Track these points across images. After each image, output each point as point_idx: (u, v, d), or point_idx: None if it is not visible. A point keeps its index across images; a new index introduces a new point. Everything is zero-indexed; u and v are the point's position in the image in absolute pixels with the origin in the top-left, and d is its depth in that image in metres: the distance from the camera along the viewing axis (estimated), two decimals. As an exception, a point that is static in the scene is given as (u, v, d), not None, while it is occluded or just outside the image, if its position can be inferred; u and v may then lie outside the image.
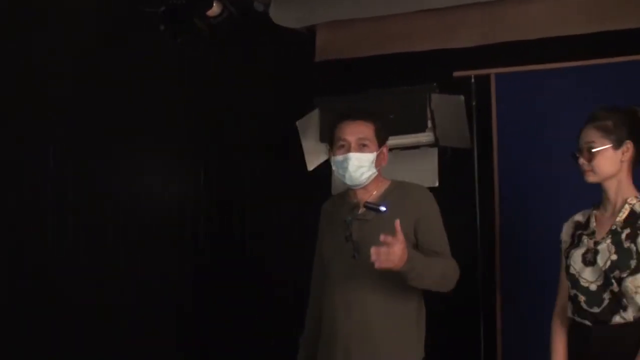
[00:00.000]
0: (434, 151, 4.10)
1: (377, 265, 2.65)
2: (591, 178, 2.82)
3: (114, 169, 3.85)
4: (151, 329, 4.07)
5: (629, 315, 2.66)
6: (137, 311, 3.99)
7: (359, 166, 2.93)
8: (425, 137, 4.08)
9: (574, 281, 2.81)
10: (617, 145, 2.76)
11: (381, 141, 3.01)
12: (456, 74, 4.31)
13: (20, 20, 3.42)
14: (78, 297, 3.56)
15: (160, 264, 4.14)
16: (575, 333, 2.84)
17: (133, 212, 4.00)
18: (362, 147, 2.95)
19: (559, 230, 4.02)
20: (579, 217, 2.98)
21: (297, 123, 4.25)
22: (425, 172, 4.07)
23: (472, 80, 4.30)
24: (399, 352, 2.93)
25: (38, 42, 3.43)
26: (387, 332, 2.90)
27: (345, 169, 2.93)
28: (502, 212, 4.23)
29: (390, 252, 2.62)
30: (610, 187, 2.81)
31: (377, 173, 3.00)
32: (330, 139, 3.05)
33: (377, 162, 2.99)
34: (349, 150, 2.94)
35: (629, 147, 2.77)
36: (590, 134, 2.80)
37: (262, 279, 4.67)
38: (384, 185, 3.04)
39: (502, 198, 4.24)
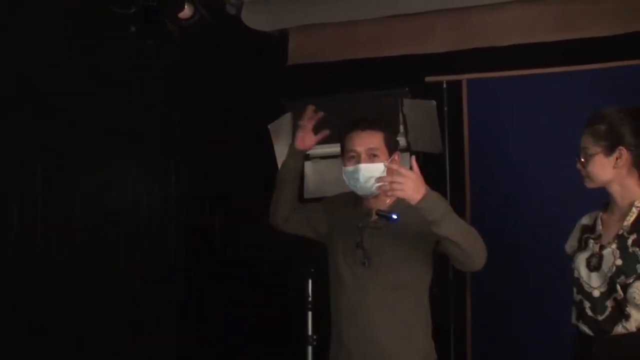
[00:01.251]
0: (406, 156, 4.09)
1: (389, 193, 2.63)
2: (589, 184, 2.73)
3: (85, 169, 3.80)
4: (146, 329, 4.05)
5: (631, 325, 2.57)
6: (121, 312, 3.96)
7: (370, 177, 2.91)
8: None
9: (579, 286, 2.73)
10: (608, 152, 2.65)
11: (391, 149, 3.00)
12: (428, 79, 4.35)
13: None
14: (46, 300, 3.51)
15: (138, 264, 4.12)
16: (577, 342, 2.75)
17: (104, 212, 3.95)
18: (372, 157, 2.95)
19: (530, 233, 4.10)
20: (585, 220, 2.87)
21: (269, 126, 4.23)
22: (397, 176, 4.07)
23: (444, 85, 4.33)
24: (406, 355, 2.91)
25: (6, 40, 3.39)
26: (393, 340, 2.88)
27: (357, 179, 2.93)
28: (473, 216, 4.26)
29: (403, 180, 2.58)
30: (615, 191, 2.71)
31: None
32: (341, 148, 3.06)
33: (388, 172, 2.93)
34: (359, 161, 2.94)
35: (621, 153, 2.64)
36: (585, 139, 2.70)
37: (242, 277, 4.70)
38: None
39: (473, 202, 4.28)
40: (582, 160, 2.71)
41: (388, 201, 2.99)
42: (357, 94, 4.16)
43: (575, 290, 2.76)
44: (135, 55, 4.14)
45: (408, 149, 4.09)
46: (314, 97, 4.26)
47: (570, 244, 2.89)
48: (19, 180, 3.45)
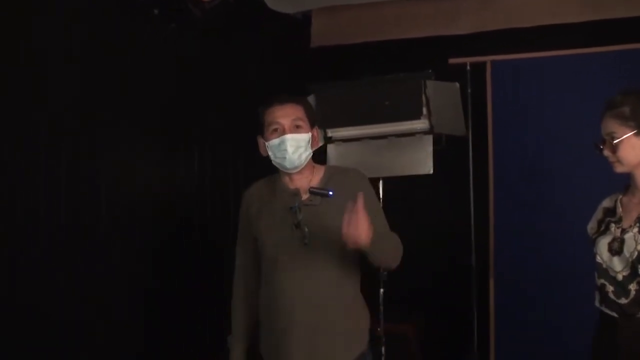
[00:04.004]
0: (429, 138, 4.09)
1: (350, 244, 2.62)
2: (619, 169, 2.68)
3: (100, 157, 3.81)
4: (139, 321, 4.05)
5: None
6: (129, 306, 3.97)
7: (297, 147, 2.87)
8: (420, 124, 4.07)
9: (602, 270, 2.70)
10: (639, 131, 2.62)
11: (312, 122, 2.96)
12: (452, 60, 4.32)
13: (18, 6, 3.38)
14: (64, 292, 3.54)
15: (154, 251, 4.13)
16: (601, 324, 2.76)
17: (118, 200, 3.95)
18: (296, 128, 2.89)
19: (554, 217, 4.08)
20: (607, 202, 2.84)
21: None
22: (419, 159, 4.07)
23: (468, 67, 4.31)
24: (356, 333, 2.92)
25: (37, 29, 3.40)
26: (343, 314, 2.88)
27: (284, 151, 2.87)
28: (497, 199, 4.25)
29: (359, 228, 2.59)
30: (638, 174, 2.68)
31: (311, 154, 2.95)
32: (259, 127, 2.97)
33: (313, 144, 2.95)
34: (284, 133, 2.88)
35: None
36: (610, 124, 2.66)
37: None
38: (320, 171, 2.99)
39: (496, 185, 4.26)
40: (612, 145, 2.67)
41: (313, 178, 2.95)
42: (380, 77, 4.15)
43: (597, 274, 2.75)
44: (158, 38, 4.15)
45: (431, 131, 4.08)
46: (337, 79, 4.28)
47: (591, 225, 2.88)
48: (43, 165, 3.47)
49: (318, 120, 3.87)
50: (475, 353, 4.27)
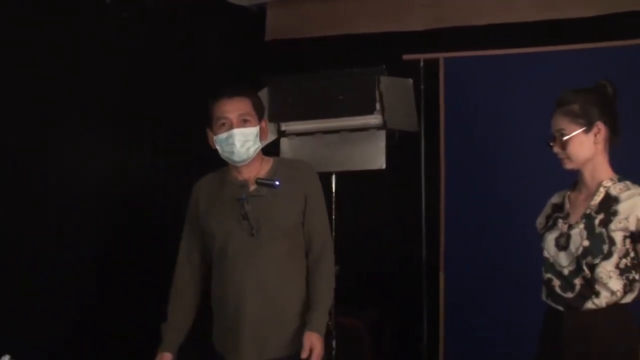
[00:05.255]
0: (382, 133, 4.10)
1: None
2: (569, 165, 2.74)
3: (50, 149, 3.74)
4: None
5: (601, 301, 2.62)
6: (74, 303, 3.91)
7: (245, 141, 2.91)
8: (373, 119, 4.08)
9: (548, 265, 2.77)
10: (588, 128, 2.69)
11: (260, 115, 3.00)
12: (405, 57, 4.34)
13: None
14: (12, 285, 3.47)
15: (105, 243, 4.07)
16: (547, 317, 2.81)
17: (68, 191, 3.88)
18: (244, 123, 2.93)
19: (504, 212, 4.13)
20: (555, 198, 2.91)
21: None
22: (372, 154, 4.08)
23: (421, 63, 4.33)
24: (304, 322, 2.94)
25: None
26: (292, 305, 2.93)
27: (232, 145, 2.91)
28: (447, 195, 4.29)
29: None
30: (586, 170, 2.74)
31: (260, 147, 3.00)
32: (208, 120, 3.00)
33: (262, 136, 2.99)
34: (231, 127, 2.91)
35: (600, 127, 2.69)
36: (560, 121, 2.72)
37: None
38: (269, 163, 3.04)
39: (447, 181, 4.30)
40: (561, 142, 2.72)
41: (262, 169, 3.00)
42: (334, 71, 4.15)
43: (544, 269, 2.81)
44: (109, 28, 4.09)
45: (384, 126, 4.10)
46: (291, 73, 4.26)
47: (540, 220, 2.95)
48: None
49: (273, 113, 3.89)
50: (424, 347, 4.30)
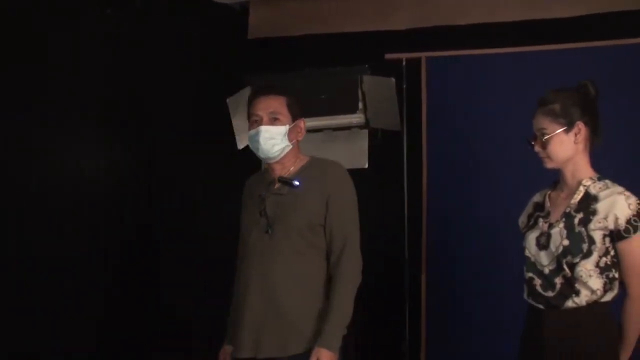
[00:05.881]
0: (364, 133, 4.11)
1: None
2: (549, 165, 2.78)
3: (27, 144, 3.71)
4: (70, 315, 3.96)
5: (581, 300, 2.65)
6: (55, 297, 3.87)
7: (270, 138, 2.95)
8: (356, 118, 4.09)
9: (530, 264, 2.79)
10: (568, 128, 2.73)
11: (294, 114, 3.03)
12: (388, 56, 4.33)
13: None
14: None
15: (87, 240, 4.04)
16: (529, 315, 2.82)
17: (50, 187, 3.86)
18: (273, 121, 2.97)
19: (486, 212, 4.13)
20: (537, 197, 2.95)
21: (227, 100, 4.20)
22: (355, 153, 4.08)
23: (404, 63, 4.32)
24: (308, 328, 2.91)
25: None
26: (296, 307, 2.91)
27: (257, 142, 2.96)
28: (430, 193, 4.28)
29: None
30: (567, 169, 2.78)
31: (291, 146, 3.01)
32: (247, 116, 3.08)
33: (292, 136, 3.01)
34: (260, 124, 2.96)
35: (580, 127, 2.72)
36: (541, 120, 2.76)
37: (190, 259, 4.62)
38: (302, 162, 3.07)
39: (430, 180, 4.29)
40: (542, 141, 2.75)
41: (292, 168, 3.03)
42: (317, 70, 4.14)
43: (525, 268, 2.83)
44: (93, 24, 4.07)
45: (367, 125, 4.09)
46: (274, 72, 4.25)
47: (522, 219, 2.97)
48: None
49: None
50: (407, 347, 4.29)
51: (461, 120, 4.25)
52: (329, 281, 2.97)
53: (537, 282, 2.75)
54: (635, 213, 2.64)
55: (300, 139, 3.06)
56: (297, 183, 2.89)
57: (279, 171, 3.02)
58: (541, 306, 2.74)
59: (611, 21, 4.13)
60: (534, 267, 2.78)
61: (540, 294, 2.74)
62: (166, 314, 4.43)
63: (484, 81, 4.21)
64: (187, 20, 4.69)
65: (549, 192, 2.87)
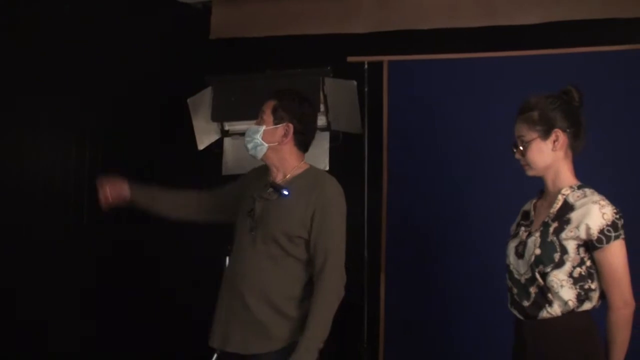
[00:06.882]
0: (326, 135, 4.11)
1: None
2: (530, 172, 2.76)
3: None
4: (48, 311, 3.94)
5: (556, 310, 2.60)
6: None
7: (248, 135, 3.09)
8: (318, 120, 4.08)
9: (510, 273, 2.77)
10: (545, 135, 2.69)
11: (278, 118, 3.07)
12: (350, 59, 4.35)
13: None
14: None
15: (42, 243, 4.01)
16: (514, 326, 2.78)
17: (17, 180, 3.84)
18: (258, 120, 3.11)
19: (445, 214, 4.17)
20: (526, 206, 2.89)
21: (188, 101, 4.17)
22: (316, 155, 4.06)
23: (366, 66, 4.34)
24: (277, 329, 2.95)
25: None
26: (264, 307, 2.95)
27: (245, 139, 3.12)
28: (390, 196, 4.31)
29: None
30: (548, 177, 2.75)
31: (266, 147, 3.06)
32: None
33: (268, 138, 3.06)
34: None
35: (558, 135, 2.68)
36: (519, 127, 2.73)
37: (150, 261, 4.60)
38: (298, 170, 3.10)
39: (390, 183, 4.32)
40: (521, 148, 2.73)
41: (288, 175, 3.08)
42: (279, 72, 4.14)
43: (507, 276, 2.81)
44: (49, 21, 4.02)
45: (328, 128, 4.10)
46: (235, 72, 4.24)
47: (512, 227, 2.92)
48: None
49: (216, 113, 3.92)
50: (364, 348, 4.31)
51: (422, 123, 4.28)
52: (310, 291, 2.98)
53: (515, 291, 2.74)
54: (609, 223, 2.58)
55: (283, 143, 3.07)
56: (286, 193, 2.96)
57: (274, 174, 3.10)
58: (520, 316, 2.72)
59: (571, 29, 4.20)
60: (512, 276, 2.75)
61: (518, 303, 2.72)
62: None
63: (446, 86, 4.25)
64: (145, 19, 4.66)
65: (535, 201, 2.84)
